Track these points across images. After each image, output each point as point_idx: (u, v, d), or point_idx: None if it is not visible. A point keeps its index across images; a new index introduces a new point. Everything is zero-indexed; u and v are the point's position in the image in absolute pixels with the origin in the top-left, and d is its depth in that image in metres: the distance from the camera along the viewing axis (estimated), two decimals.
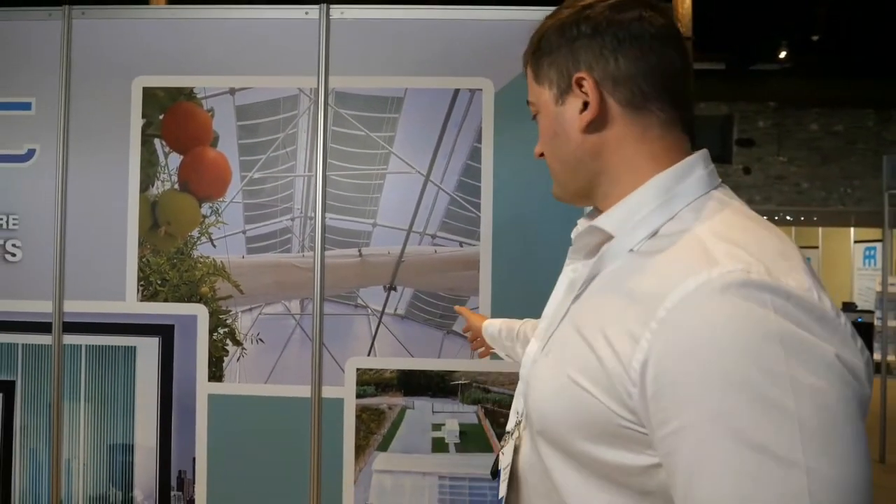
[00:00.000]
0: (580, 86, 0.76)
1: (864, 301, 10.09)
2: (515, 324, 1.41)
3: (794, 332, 0.57)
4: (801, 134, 11.69)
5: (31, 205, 2.04)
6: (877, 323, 7.43)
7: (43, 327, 2.03)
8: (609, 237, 0.76)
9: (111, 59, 2.03)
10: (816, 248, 11.87)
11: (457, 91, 1.97)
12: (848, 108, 11.45)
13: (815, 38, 9.18)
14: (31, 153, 2.05)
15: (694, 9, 7.22)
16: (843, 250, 11.58)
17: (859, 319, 9.37)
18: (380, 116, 1.99)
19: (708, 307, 0.59)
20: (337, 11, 1.97)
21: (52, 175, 2.03)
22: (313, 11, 1.97)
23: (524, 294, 1.91)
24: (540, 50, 0.80)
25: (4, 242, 2.05)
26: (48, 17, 2.04)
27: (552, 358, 0.75)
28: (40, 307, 2.03)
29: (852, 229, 11.27)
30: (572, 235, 0.86)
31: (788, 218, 10.99)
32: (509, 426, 0.91)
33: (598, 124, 0.76)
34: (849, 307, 9.80)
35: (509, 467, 0.83)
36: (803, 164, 11.66)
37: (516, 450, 0.84)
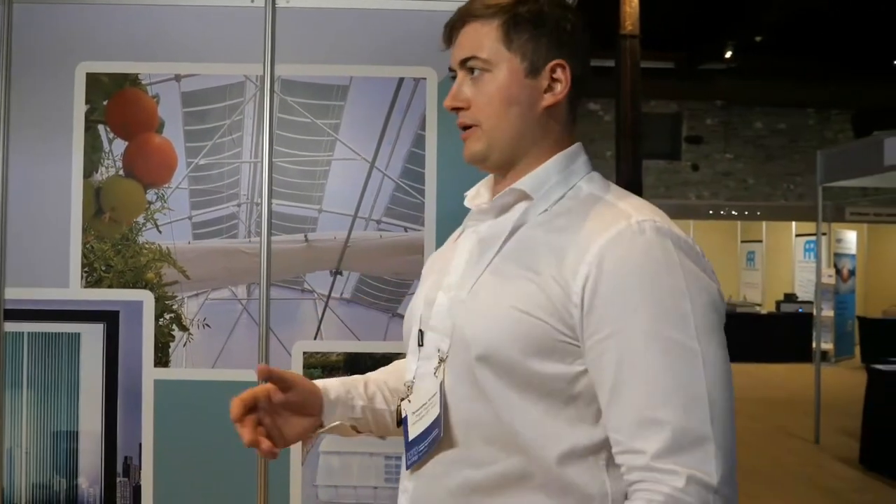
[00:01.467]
0: (553, 71, 0.91)
1: (805, 292, 10.50)
2: (356, 382, 1.10)
3: (689, 264, 0.82)
4: (746, 132, 12.08)
5: None
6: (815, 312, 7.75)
7: None
8: (523, 197, 0.92)
9: (54, 44, 2.02)
10: (760, 241, 12.28)
11: (401, 80, 2.01)
12: (791, 107, 11.89)
13: (758, 38, 9.49)
14: None
15: (642, 8, 7.39)
16: (785, 244, 12.02)
17: (800, 310, 9.75)
18: (325, 104, 2.03)
19: (632, 242, 0.81)
20: (283, 0, 2.00)
21: None
22: (259, 0, 2.00)
23: None
24: (523, 21, 0.90)
25: None
26: None
27: (486, 297, 0.89)
28: None
29: (794, 223, 11.69)
30: (468, 204, 1.01)
31: (734, 213, 11.35)
32: (409, 377, 0.98)
33: (553, 108, 0.93)
34: (790, 298, 10.19)
35: (438, 397, 0.90)
36: (749, 161, 12.05)
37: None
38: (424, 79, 2.01)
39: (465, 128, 0.95)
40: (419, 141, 2.02)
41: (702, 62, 10.83)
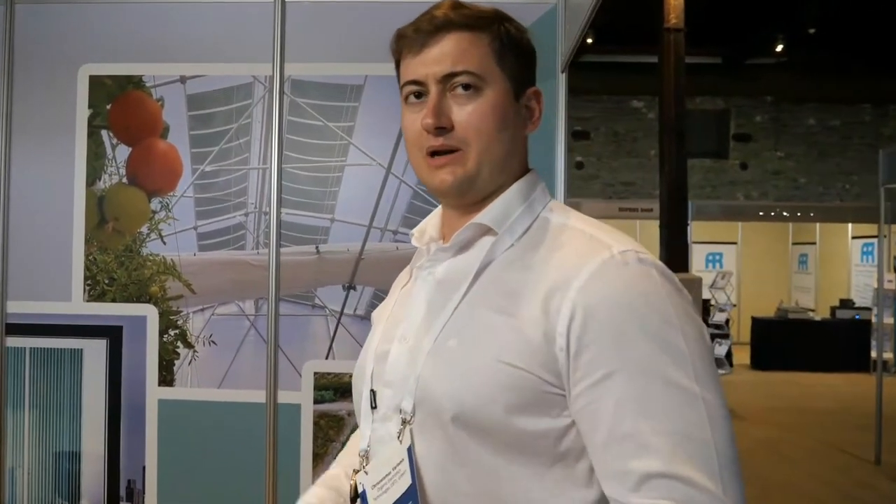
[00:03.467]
0: (529, 98, 0.85)
1: (862, 298, 9.99)
2: (337, 480, 0.96)
3: (676, 296, 0.74)
4: (798, 129, 11.59)
5: None
6: (875, 320, 7.33)
7: None
8: (485, 232, 0.82)
9: (56, 46, 1.92)
10: (814, 244, 11.76)
11: None
12: (845, 103, 11.35)
13: (811, 31, 9.07)
14: None
15: (687, 1, 7.07)
16: (840, 246, 11.47)
17: (857, 317, 9.27)
18: (338, 105, 1.88)
19: (618, 275, 0.73)
20: None
21: None
22: None
23: None
24: (511, 39, 0.82)
25: None
26: None
27: (457, 348, 0.77)
28: None
29: (850, 225, 11.15)
30: (415, 243, 0.90)
31: (785, 214, 10.89)
32: (363, 445, 0.84)
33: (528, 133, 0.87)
34: (846, 304, 9.71)
35: (406, 465, 0.78)
36: (801, 159, 11.56)
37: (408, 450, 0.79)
38: None
39: (447, 152, 0.80)
40: None
41: (750, 56, 10.41)
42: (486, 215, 0.82)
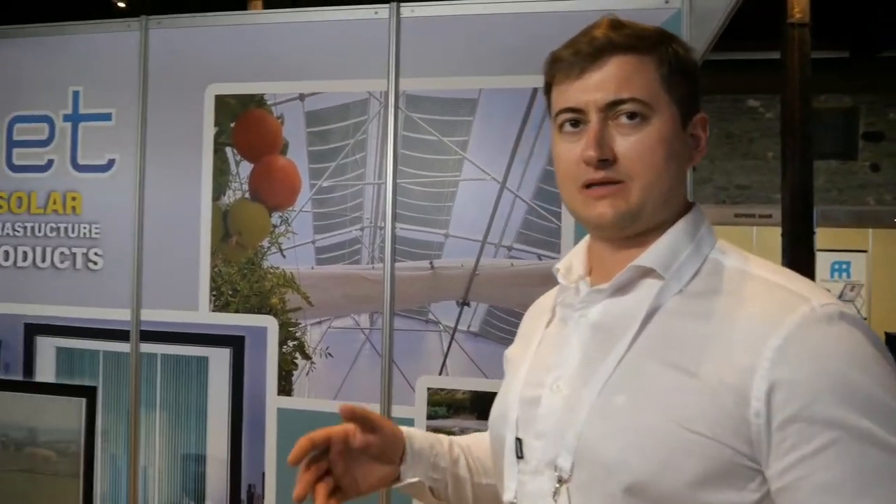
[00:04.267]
0: (696, 126, 0.78)
1: None
2: (440, 438, 0.97)
3: (883, 359, 0.66)
4: None
5: (112, 214, 2.07)
6: None
7: (122, 335, 2.05)
8: (647, 275, 0.75)
9: (186, 67, 2.02)
10: None
11: (535, 90, 1.81)
12: None
13: None
14: (111, 163, 2.07)
15: None
16: None
17: None
18: (453, 120, 1.87)
19: (824, 333, 0.65)
20: (407, 9, 1.87)
21: (131, 185, 2.04)
22: (383, 11, 1.88)
23: None
24: (679, 62, 0.76)
25: (88, 251, 2.09)
26: (127, 28, 2.05)
27: (629, 406, 0.70)
28: (120, 315, 2.05)
29: None
30: (562, 281, 0.83)
31: None
32: (509, 497, 0.78)
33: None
34: None
35: None
36: None
37: None
38: None
39: (607, 183, 0.74)
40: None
41: (881, 50, 9.62)
42: (649, 257, 0.75)
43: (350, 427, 0.86)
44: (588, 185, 0.74)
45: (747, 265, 0.74)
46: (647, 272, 0.75)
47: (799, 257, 6.18)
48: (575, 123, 0.75)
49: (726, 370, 0.66)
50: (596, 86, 0.73)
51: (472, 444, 0.97)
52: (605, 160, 0.73)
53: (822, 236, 9.88)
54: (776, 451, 0.64)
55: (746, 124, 10.69)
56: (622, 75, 0.73)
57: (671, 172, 0.75)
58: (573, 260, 0.84)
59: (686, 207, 0.79)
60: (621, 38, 0.74)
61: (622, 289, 0.76)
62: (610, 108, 0.73)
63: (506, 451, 0.80)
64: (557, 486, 0.72)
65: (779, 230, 6.66)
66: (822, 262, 10.34)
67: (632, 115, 0.73)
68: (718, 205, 10.32)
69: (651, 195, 0.74)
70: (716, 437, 0.65)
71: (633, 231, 0.76)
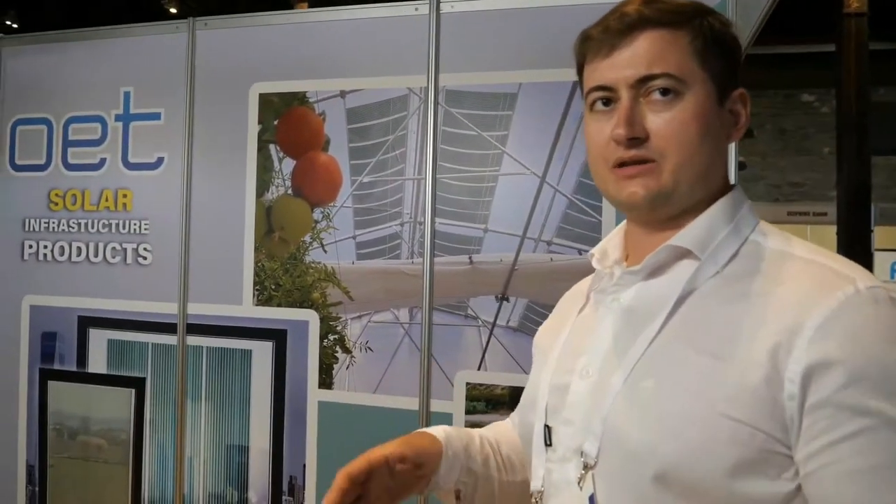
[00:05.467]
0: (735, 101, 0.75)
1: None
2: (470, 434, 0.94)
3: None
4: None
5: (161, 210, 2.13)
6: None
7: (169, 328, 2.11)
8: (684, 256, 0.73)
9: (231, 67, 2.07)
10: None
11: (576, 83, 1.78)
12: None
13: None
14: (160, 161, 2.13)
15: None
16: None
17: None
18: (492, 114, 1.86)
19: (868, 315, 0.62)
20: (447, 5, 1.87)
21: (179, 182, 2.10)
22: (423, 6, 1.88)
23: None
24: (715, 35, 0.73)
25: (137, 246, 2.15)
26: (175, 30, 2.11)
27: (658, 390, 0.68)
28: (167, 308, 2.11)
29: None
30: (596, 265, 0.81)
31: None
32: (537, 485, 0.77)
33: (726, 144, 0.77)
34: None
35: None
36: None
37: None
38: None
39: (638, 162, 0.72)
40: None
41: None
42: (685, 237, 0.72)
43: (390, 452, 0.81)
44: (619, 165, 0.72)
45: (790, 247, 0.71)
46: (683, 253, 0.73)
47: (855, 257, 5.95)
48: (606, 102, 0.74)
49: (759, 351, 0.63)
50: (626, 62, 0.72)
51: (502, 439, 0.95)
52: (636, 138, 0.71)
53: (881, 235, 9.52)
54: (805, 434, 0.61)
55: (800, 119, 10.36)
56: (654, 50, 0.71)
57: (706, 150, 0.72)
58: (608, 245, 0.82)
59: (726, 188, 0.76)
60: (653, 12, 0.72)
61: (656, 271, 0.74)
62: (641, 85, 0.71)
63: (534, 439, 0.79)
64: (583, 472, 0.71)
65: (834, 229, 6.45)
66: (881, 261, 9.95)
67: (664, 92, 0.70)
68: (771, 203, 10.04)
69: (684, 174, 0.71)
70: (748, 422, 0.62)
71: (667, 212, 0.74)
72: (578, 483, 0.71)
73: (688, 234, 0.72)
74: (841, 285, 0.64)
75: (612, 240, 0.83)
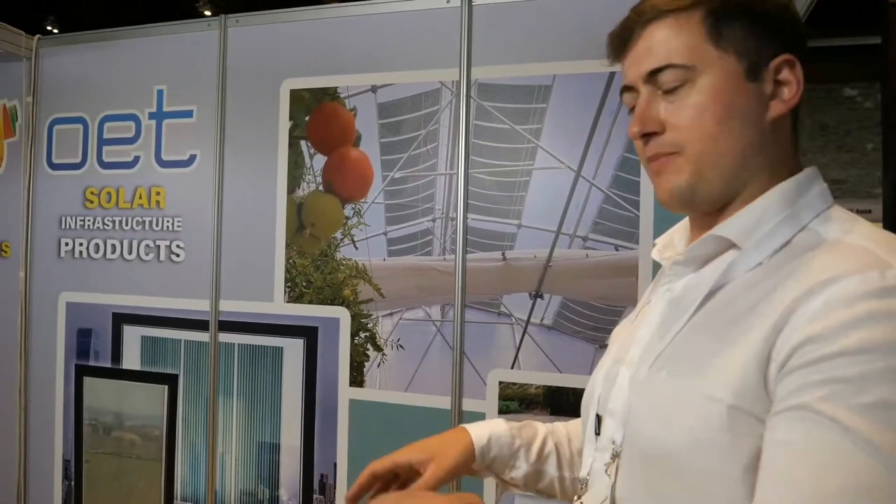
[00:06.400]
0: (779, 70, 0.69)
1: None
2: (535, 435, 0.96)
3: None
4: None
5: (193, 208, 2.13)
6: None
7: (202, 325, 2.11)
8: (729, 246, 0.69)
9: (262, 64, 2.06)
10: None
11: (612, 74, 1.74)
12: None
13: None
14: (192, 158, 2.14)
15: None
16: None
17: None
18: (526, 107, 1.82)
19: (879, 297, 0.55)
20: None
21: (211, 179, 2.10)
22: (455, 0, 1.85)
23: None
24: (734, 6, 0.69)
25: (171, 243, 2.16)
26: (207, 27, 2.11)
27: (667, 378, 0.67)
28: (200, 305, 2.11)
29: None
30: (655, 257, 0.81)
31: None
32: (584, 473, 0.78)
33: (777, 120, 0.70)
34: None
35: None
36: None
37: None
38: None
39: (658, 157, 0.71)
40: (633, 145, 1.73)
41: None
42: (727, 226, 0.69)
43: (419, 458, 0.88)
44: (649, 161, 0.72)
45: (847, 234, 0.65)
46: (729, 245, 0.69)
47: None
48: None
49: (763, 330, 0.60)
50: (639, 58, 0.71)
51: (574, 434, 0.97)
52: (649, 133, 0.70)
53: None
54: (778, 394, 0.58)
55: (843, 115, 10.07)
56: (659, 40, 0.69)
57: (732, 134, 0.68)
58: (675, 234, 0.82)
59: (793, 169, 0.71)
60: (657, 2, 0.70)
61: (705, 262, 0.72)
62: (652, 79, 0.70)
63: (588, 427, 0.79)
64: (609, 461, 0.72)
65: (879, 227, 6.26)
66: None
67: (673, 81, 0.69)
68: None
69: (707, 161, 0.68)
70: (748, 410, 0.59)
71: (704, 203, 0.71)
72: (606, 471, 0.72)
73: (731, 223, 0.69)
74: (869, 268, 0.57)
75: (680, 229, 0.82)
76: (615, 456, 0.72)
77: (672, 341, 0.69)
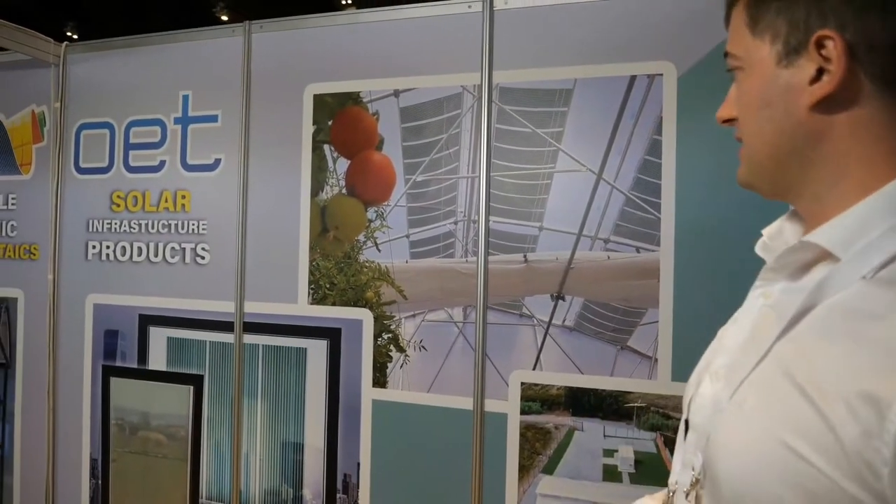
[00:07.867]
0: (820, 47, 0.59)
1: None
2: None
3: None
4: None
5: (218, 211, 2.17)
6: None
7: (227, 326, 2.15)
8: (827, 254, 0.59)
9: (286, 69, 2.09)
10: None
11: (633, 78, 1.76)
12: None
13: None
14: (217, 162, 2.17)
15: None
16: None
17: None
18: (547, 111, 1.84)
19: None
20: (501, 1, 1.86)
21: (235, 183, 2.13)
22: (476, 4, 1.88)
23: (711, 308, 1.66)
24: None
25: (196, 246, 2.19)
26: (232, 34, 2.15)
27: (750, 410, 0.59)
28: (225, 307, 2.15)
29: None
30: (758, 251, 0.71)
31: None
32: (672, 480, 0.73)
33: (833, 101, 0.59)
34: None
35: None
36: None
37: None
38: (661, 75, 1.74)
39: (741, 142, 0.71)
40: (654, 148, 1.75)
41: None
42: (823, 232, 0.60)
43: None
44: None
45: None
46: (824, 254, 0.60)
47: None
48: None
49: (860, 395, 0.51)
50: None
51: None
52: (728, 120, 0.69)
53: None
54: None
55: None
56: (732, 26, 0.69)
57: (768, 126, 0.64)
58: (785, 225, 0.71)
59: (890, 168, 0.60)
60: None
61: (799, 269, 0.63)
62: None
63: (679, 429, 0.75)
64: (689, 488, 0.66)
65: None
66: None
67: (733, 69, 0.69)
68: None
69: (756, 155, 0.66)
70: (824, 471, 0.52)
71: (773, 196, 0.67)
72: (686, 496, 0.67)
73: (828, 228, 0.60)
74: None
75: (790, 217, 0.72)
76: (695, 483, 0.65)
77: (757, 367, 0.61)
